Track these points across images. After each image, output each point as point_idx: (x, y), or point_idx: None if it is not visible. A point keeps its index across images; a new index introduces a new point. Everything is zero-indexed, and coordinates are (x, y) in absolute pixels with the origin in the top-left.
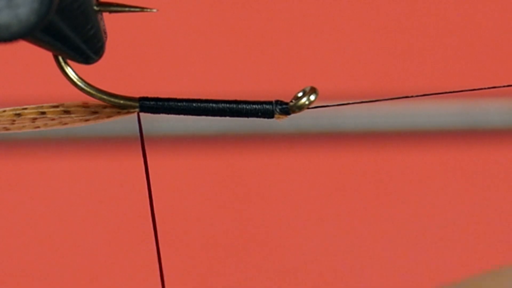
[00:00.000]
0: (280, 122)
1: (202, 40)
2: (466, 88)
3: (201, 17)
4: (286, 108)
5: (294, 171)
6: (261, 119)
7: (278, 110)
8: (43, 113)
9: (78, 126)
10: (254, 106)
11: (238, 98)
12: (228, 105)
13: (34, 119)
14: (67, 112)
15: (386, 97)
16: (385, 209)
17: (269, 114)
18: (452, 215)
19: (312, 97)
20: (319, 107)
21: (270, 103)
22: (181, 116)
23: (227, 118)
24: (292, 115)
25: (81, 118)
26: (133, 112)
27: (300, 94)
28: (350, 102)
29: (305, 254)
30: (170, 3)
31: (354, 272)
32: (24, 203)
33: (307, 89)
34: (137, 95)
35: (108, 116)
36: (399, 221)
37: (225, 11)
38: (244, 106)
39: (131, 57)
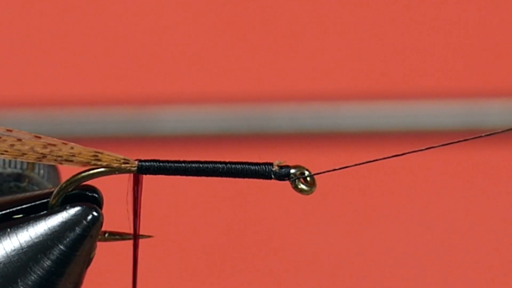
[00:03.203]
0: (280, 122)
1: (202, 40)
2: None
3: (201, 17)
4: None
5: None
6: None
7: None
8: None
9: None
10: (252, 167)
11: (238, 97)
12: (226, 166)
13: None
14: (72, 155)
15: (386, 97)
16: (385, 209)
17: (267, 176)
18: (452, 215)
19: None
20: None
21: (268, 167)
22: (181, 116)
23: (227, 118)
24: (292, 115)
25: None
26: (131, 172)
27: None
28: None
29: (305, 254)
30: (171, 3)
31: (354, 272)
32: None
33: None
34: (137, 96)
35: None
36: (399, 221)
37: (225, 11)
38: (242, 167)
39: (131, 57)
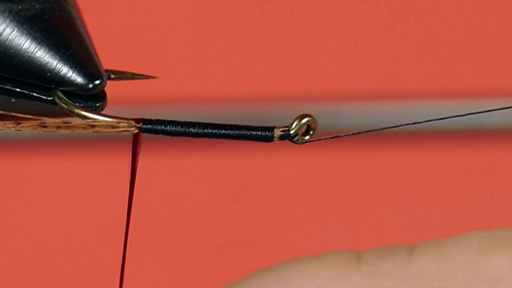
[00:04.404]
0: (280, 123)
1: (202, 40)
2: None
3: (202, 16)
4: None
5: (294, 171)
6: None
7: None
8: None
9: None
10: (253, 132)
11: (238, 97)
12: (228, 131)
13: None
14: (67, 123)
15: (387, 97)
16: (385, 209)
17: (268, 140)
18: (452, 215)
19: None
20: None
21: (269, 130)
22: (181, 116)
23: (227, 117)
24: (292, 115)
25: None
26: (132, 132)
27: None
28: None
29: (304, 254)
30: (171, 2)
31: None
32: (24, 203)
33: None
34: (138, 97)
35: (106, 131)
36: (399, 221)
37: (225, 10)
38: (244, 132)
39: (132, 56)
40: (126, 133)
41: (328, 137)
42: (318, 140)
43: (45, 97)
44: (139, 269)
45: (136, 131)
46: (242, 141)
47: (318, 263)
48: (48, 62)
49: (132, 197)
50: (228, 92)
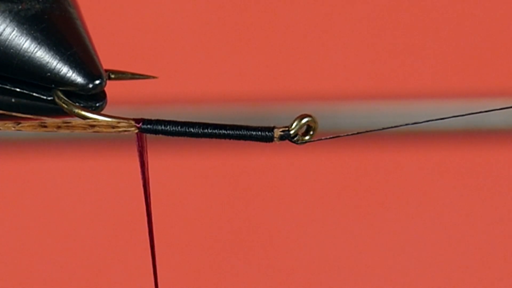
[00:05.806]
0: (280, 123)
1: (202, 40)
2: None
3: (202, 16)
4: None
5: (294, 171)
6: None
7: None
8: (44, 126)
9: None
10: (253, 132)
11: (238, 97)
12: (228, 131)
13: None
14: (67, 123)
15: (386, 97)
16: (385, 209)
17: (268, 140)
18: (452, 215)
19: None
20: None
21: (270, 130)
22: (181, 116)
23: (227, 118)
24: (293, 115)
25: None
26: (132, 131)
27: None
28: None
29: (305, 254)
30: (171, 2)
31: (354, 272)
32: (24, 203)
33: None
34: (138, 97)
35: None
36: (399, 221)
37: (225, 10)
38: (244, 132)
39: (132, 56)
40: (126, 133)
41: (328, 137)
42: (318, 140)
43: (45, 97)
44: (138, 269)
45: (136, 131)
46: (242, 141)
47: None
48: (48, 62)
49: (148, 198)
50: (228, 92)
